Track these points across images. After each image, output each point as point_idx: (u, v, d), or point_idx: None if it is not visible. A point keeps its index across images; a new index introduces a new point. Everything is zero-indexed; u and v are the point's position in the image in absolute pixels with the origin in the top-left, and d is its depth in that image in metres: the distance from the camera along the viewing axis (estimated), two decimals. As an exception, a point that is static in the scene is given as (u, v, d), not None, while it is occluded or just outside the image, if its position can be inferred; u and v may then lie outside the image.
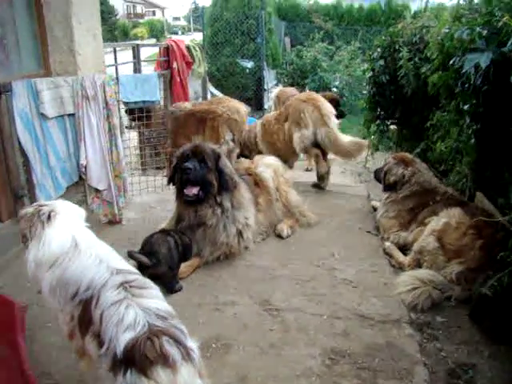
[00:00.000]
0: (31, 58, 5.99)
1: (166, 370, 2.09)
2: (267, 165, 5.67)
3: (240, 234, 4.79)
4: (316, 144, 6.77)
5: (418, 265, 4.51)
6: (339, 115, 7.31)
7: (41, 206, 2.94)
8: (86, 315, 2.49)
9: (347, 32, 19.61)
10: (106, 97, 5.27)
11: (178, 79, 11.52)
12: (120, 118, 5.55)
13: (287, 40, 18.48)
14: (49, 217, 2.85)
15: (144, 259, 4.18)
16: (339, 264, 4.74)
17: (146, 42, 40.05)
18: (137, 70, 8.93)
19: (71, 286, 2.60)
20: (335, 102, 7.70)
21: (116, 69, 8.33)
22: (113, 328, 2.24)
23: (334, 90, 14.54)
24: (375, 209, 5.87)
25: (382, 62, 7.35)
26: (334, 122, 6.72)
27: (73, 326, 2.66)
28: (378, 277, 4.50)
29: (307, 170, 8.35)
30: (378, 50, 7.58)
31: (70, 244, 2.74)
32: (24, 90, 5.01)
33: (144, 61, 9.52)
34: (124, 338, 2.15)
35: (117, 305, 2.32)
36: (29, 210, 2.91)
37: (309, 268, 4.68)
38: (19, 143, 5.11)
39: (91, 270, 2.59)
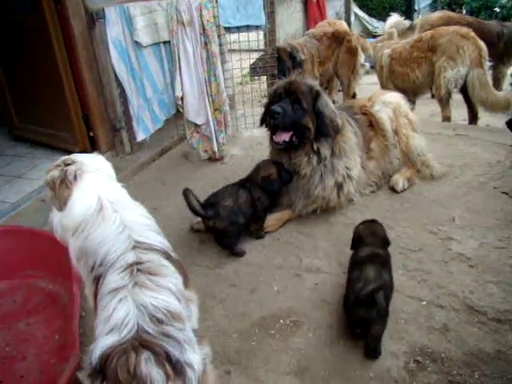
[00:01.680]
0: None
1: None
2: (386, 103, 4.73)
3: (340, 186, 4.09)
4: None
5: None
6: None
7: (67, 164, 2.52)
8: (96, 297, 2.08)
9: None
10: (203, 21, 4.69)
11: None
12: (221, 45, 4.96)
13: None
14: (75, 177, 2.42)
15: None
16: (459, 232, 3.84)
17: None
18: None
19: (90, 258, 2.17)
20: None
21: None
22: (100, 325, 1.79)
23: (497, 10, 12.29)
24: (521, 161, 4.73)
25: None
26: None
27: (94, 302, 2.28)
28: (505, 256, 3.54)
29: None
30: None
31: (95, 208, 2.28)
32: (117, 17, 4.65)
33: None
34: (103, 343, 1.68)
35: (112, 294, 1.85)
36: (55, 173, 2.50)
37: (420, 233, 3.86)
38: (115, 74, 4.84)
39: (110, 241, 2.13)
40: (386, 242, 3.20)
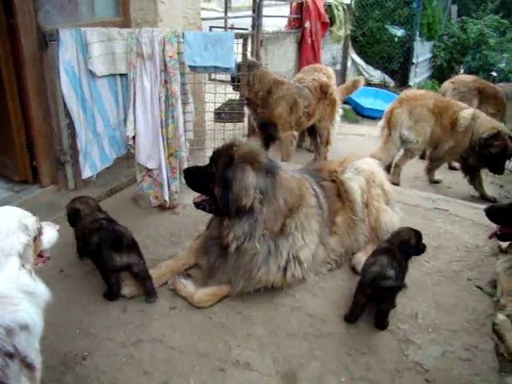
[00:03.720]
0: (107, 2, 5.17)
1: None
2: (359, 170, 4.22)
3: (284, 269, 3.55)
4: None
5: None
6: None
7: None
8: None
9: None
10: (165, 57, 4.21)
11: (310, 41, 10.27)
12: (183, 84, 4.48)
13: (454, 8, 15.87)
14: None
15: None
16: (420, 334, 3.30)
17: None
18: (255, 26, 7.81)
19: None
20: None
21: (225, 23, 7.32)
22: None
23: (494, 74, 12.08)
24: (502, 251, 4.23)
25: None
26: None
27: None
28: (469, 371, 3.01)
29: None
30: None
31: None
32: (72, 41, 4.19)
33: (267, 16, 8.25)
34: None
35: None
36: None
37: (374, 330, 3.32)
38: (64, 102, 4.35)
39: None
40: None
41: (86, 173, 4.60)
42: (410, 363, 3.05)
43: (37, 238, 2.28)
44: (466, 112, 6.37)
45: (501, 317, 3.40)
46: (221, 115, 5.50)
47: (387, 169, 6.26)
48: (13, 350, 1.64)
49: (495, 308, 3.59)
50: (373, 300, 3.31)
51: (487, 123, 6.31)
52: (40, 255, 2.42)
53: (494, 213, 3.88)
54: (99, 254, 3.32)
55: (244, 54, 5.17)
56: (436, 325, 3.40)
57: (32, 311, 1.81)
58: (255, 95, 5.83)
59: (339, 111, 6.87)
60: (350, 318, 3.37)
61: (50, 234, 2.44)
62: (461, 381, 2.95)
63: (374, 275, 3.21)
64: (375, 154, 6.20)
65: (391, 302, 3.30)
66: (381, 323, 3.33)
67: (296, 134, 6.35)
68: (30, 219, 2.23)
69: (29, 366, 1.76)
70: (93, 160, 4.59)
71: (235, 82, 5.52)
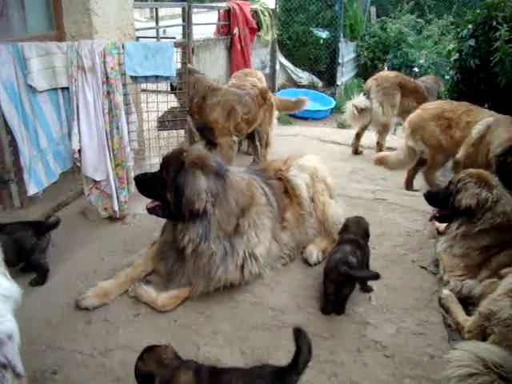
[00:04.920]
0: (40, 16, 5.11)
1: None
2: (303, 167, 4.42)
3: (242, 267, 3.69)
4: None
5: (482, 333, 3.22)
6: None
7: None
8: None
9: (440, 3, 17.39)
10: (106, 69, 4.25)
11: (239, 46, 10.48)
12: (126, 94, 4.52)
13: (373, 9, 16.62)
14: None
15: None
16: (375, 315, 3.53)
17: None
18: (186, 35, 7.89)
19: None
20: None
21: (157, 33, 7.38)
22: None
23: (416, 70, 12.78)
24: (440, 233, 4.54)
25: (472, 43, 5.98)
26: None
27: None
28: (423, 343, 3.26)
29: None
30: (469, 26, 6.14)
31: None
32: (9, 56, 4.09)
33: (197, 24, 8.34)
34: None
35: None
36: None
37: (332, 317, 3.51)
38: (4, 119, 4.26)
39: None
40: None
41: (32, 189, 4.50)
42: (369, 342, 3.26)
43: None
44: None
45: (445, 292, 3.70)
46: (164, 123, 5.54)
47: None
48: (5, 361, 1.67)
49: (439, 284, 3.89)
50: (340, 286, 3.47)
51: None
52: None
53: (432, 197, 4.18)
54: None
55: (184, 63, 5.24)
56: (388, 305, 3.64)
57: (12, 319, 1.85)
58: (191, 101, 5.90)
59: (276, 114, 7.05)
60: (327, 308, 3.53)
61: None
62: (416, 352, 3.19)
63: (336, 262, 3.41)
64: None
65: (351, 288, 3.51)
66: (340, 308, 3.52)
67: (236, 139, 6.48)
68: None
69: (18, 375, 1.79)
70: (38, 176, 4.51)
71: (175, 90, 5.58)
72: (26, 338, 3.08)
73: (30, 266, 3.85)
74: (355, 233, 3.79)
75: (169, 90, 5.63)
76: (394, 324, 3.44)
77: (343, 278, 3.37)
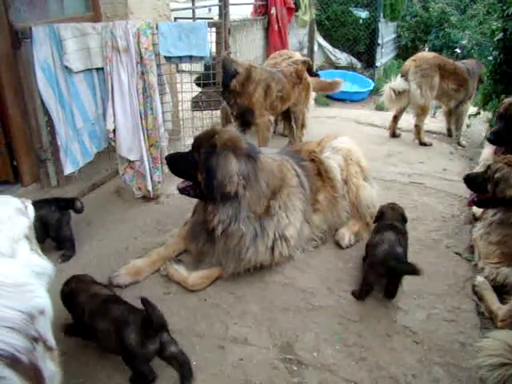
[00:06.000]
0: (77, -3, 5.16)
1: None
2: (337, 149, 4.37)
3: (272, 249, 3.67)
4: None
5: (517, 323, 3.14)
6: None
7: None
8: None
9: (489, -21, 16.74)
10: (140, 49, 4.27)
11: (276, 27, 10.32)
12: (160, 75, 4.54)
13: (415, -12, 16.17)
14: None
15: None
16: (406, 300, 3.48)
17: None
18: (222, 15, 7.83)
19: None
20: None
21: (193, 13, 7.34)
22: None
23: (458, 51, 12.35)
24: (476, 219, 4.42)
25: (519, 21, 5.66)
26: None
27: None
28: (454, 331, 3.20)
29: None
30: (518, 3, 5.86)
31: None
32: (46, 38, 4.17)
33: (234, 4, 8.25)
34: None
35: None
36: None
37: (362, 301, 3.48)
38: (41, 100, 4.34)
39: None
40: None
41: (68, 169, 4.60)
42: (399, 327, 3.22)
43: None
44: None
45: (479, 279, 3.61)
46: (198, 103, 5.55)
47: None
48: (36, 335, 1.72)
49: (474, 271, 3.80)
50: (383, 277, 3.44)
51: None
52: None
53: (471, 180, 4.06)
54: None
55: (218, 43, 5.21)
56: (420, 290, 3.58)
57: (45, 295, 1.89)
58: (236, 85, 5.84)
59: (313, 95, 6.95)
60: (361, 295, 3.48)
61: (30, 208, 2.50)
62: (446, 339, 3.13)
63: (385, 254, 3.33)
64: None
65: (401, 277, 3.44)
66: (391, 294, 3.46)
67: (272, 118, 6.43)
68: (23, 202, 2.34)
69: (49, 348, 1.85)
70: (74, 156, 4.60)
71: (210, 70, 5.55)
72: (60, 314, 3.19)
73: (58, 241, 3.95)
74: (393, 219, 3.70)
75: (203, 70, 5.61)
76: (424, 310, 3.39)
77: (390, 271, 3.33)
